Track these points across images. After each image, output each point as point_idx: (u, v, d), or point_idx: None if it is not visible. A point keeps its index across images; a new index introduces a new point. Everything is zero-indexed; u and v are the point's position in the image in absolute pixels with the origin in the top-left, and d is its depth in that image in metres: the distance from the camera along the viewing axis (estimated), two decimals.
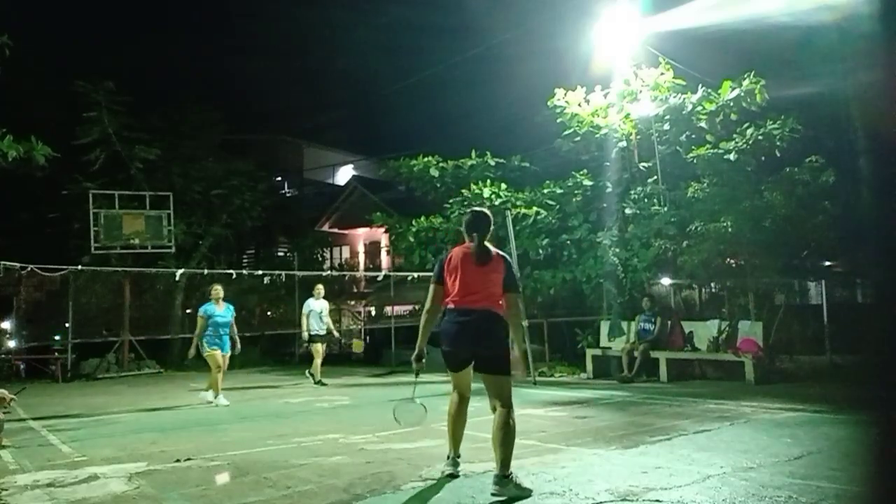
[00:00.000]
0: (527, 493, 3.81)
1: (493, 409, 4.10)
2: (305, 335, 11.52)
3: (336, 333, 12.68)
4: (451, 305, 4.24)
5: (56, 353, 15.62)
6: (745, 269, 10.70)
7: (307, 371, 11.74)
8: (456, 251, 4.36)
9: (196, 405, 8.95)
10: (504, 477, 3.84)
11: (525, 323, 11.12)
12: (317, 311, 11.48)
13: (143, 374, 14.93)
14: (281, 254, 24.05)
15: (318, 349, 11.47)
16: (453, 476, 4.23)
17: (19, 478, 4.65)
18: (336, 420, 7.27)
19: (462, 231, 4.46)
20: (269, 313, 21.09)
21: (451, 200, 13.96)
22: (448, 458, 4.33)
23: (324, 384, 11.24)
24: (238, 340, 9.53)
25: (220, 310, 9.21)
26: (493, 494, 3.79)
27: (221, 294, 9.39)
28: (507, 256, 4.41)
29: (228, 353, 9.28)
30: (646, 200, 11.58)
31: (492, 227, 4.41)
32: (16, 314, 17.66)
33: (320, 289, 11.78)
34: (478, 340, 4.15)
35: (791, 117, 10.47)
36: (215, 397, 8.97)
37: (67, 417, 8.17)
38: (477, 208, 4.69)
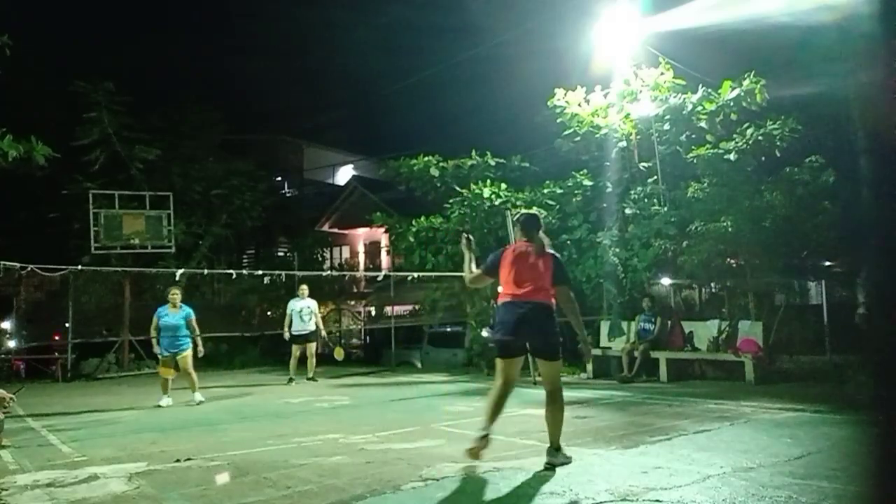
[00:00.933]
0: (569, 460, 4.50)
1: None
2: (287, 335, 11.70)
3: (324, 332, 12.70)
4: (507, 298, 4.59)
5: (56, 353, 15.61)
6: (745, 269, 10.71)
7: (305, 378, 11.78)
8: (509, 249, 4.80)
9: (191, 405, 8.96)
10: (556, 449, 4.49)
11: None
12: (297, 311, 11.65)
13: (143, 374, 14.93)
14: (281, 254, 24.02)
15: (295, 350, 11.68)
16: (485, 437, 4.36)
17: (19, 478, 4.64)
18: (336, 420, 7.26)
19: (516, 231, 4.97)
20: (269, 313, 21.07)
21: (451, 200, 13.96)
22: (480, 430, 4.45)
23: (293, 381, 11.47)
24: (199, 342, 9.59)
25: (174, 312, 9.29)
26: (545, 465, 4.40)
27: (178, 299, 9.41)
28: (557, 254, 4.79)
29: (184, 353, 9.22)
30: (646, 200, 11.58)
31: (539, 228, 4.83)
32: (16, 314, 17.66)
33: (304, 289, 11.98)
34: (534, 330, 4.51)
35: (791, 117, 10.47)
36: (160, 399, 9.00)
37: (67, 417, 8.17)
38: (527, 211, 5.31)
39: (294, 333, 11.67)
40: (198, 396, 9.19)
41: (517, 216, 5.04)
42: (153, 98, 19.26)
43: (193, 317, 9.46)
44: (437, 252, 14.21)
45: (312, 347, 11.86)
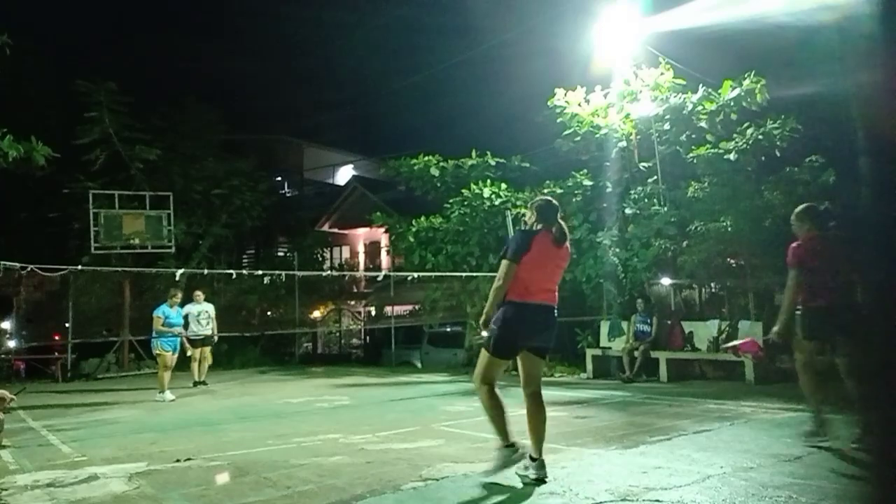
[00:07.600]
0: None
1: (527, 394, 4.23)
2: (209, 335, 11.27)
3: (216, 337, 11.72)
4: (540, 300, 4.27)
5: (56, 354, 15.62)
6: (745, 269, 10.70)
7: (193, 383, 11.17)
8: (543, 236, 4.26)
9: (191, 403, 9.01)
10: (533, 460, 4.07)
11: None
12: (194, 315, 11.12)
13: (142, 374, 14.94)
14: (281, 254, 24.05)
15: (195, 354, 11.20)
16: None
17: (19, 478, 4.64)
18: (336, 420, 7.27)
19: (536, 218, 4.39)
20: (269, 313, 21.11)
21: (451, 200, 13.95)
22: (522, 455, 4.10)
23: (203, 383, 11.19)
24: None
25: (174, 312, 10.18)
26: (534, 480, 4.02)
27: (178, 300, 10.33)
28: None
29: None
30: (646, 200, 11.58)
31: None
32: (16, 314, 17.67)
33: (199, 294, 11.44)
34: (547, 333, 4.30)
35: (791, 117, 10.47)
36: (161, 393, 9.54)
37: (67, 417, 8.17)
38: (547, 197, 4.71)
39: (192, 337, 11.06)
40: (167, 395, 9.49)
41: (537, 202, 4.50)
42: (153, 98, 19.26)
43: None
44: (437, 252, 14.22)
45: (207, 351, 11.40)
